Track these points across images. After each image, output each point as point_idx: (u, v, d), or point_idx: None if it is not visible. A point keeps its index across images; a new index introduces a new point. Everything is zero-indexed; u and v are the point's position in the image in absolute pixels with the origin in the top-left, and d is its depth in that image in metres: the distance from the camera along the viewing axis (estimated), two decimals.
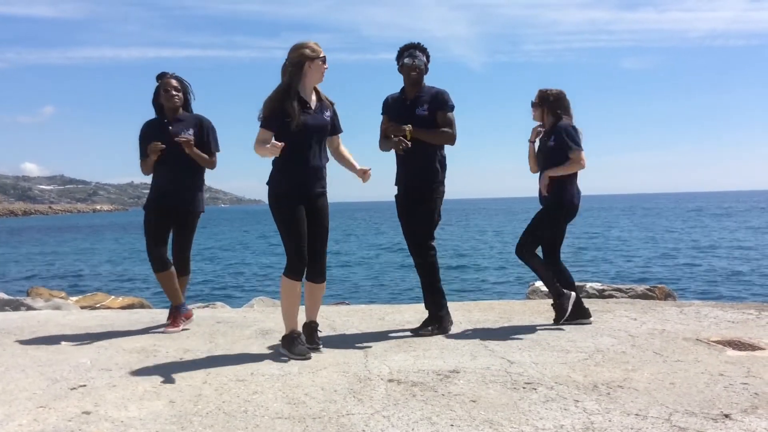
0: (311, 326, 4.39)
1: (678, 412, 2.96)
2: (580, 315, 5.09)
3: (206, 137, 5.19)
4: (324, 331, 4.97)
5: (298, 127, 4.09)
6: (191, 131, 5.12)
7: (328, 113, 4.33)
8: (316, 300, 4.43)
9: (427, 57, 4.89)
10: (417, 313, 5.72)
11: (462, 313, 5.64)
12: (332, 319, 5.50)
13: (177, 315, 5.16)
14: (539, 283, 7.37)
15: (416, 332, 4.79)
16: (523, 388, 3.38)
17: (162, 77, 5.18)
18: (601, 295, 6.87)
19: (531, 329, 4.90)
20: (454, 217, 73.34)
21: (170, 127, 5.09)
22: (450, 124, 4.80)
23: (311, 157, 4.21)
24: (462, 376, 3.61)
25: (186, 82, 5.27)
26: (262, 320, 5.54)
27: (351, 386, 3.44)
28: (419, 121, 4.76)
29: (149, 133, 5.14)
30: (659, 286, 7.06)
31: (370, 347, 4.37)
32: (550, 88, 5.20)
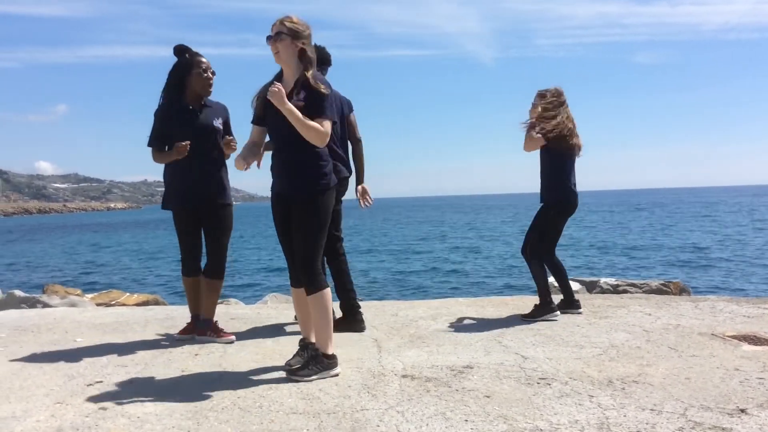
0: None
1: (693, 407, 2.95)
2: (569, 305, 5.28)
3: (229, 127, 4.67)
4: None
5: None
6: (220, 120, 4.54)
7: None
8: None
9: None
10: (430, 309, 5.74)
11: (475, 309, 5.64)
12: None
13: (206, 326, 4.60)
14: (552, 280, 7.35)
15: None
16: (537, 383, 3.37)
17: (188, 52, 4.48)
18: (615, 290, 6.84)
19: (544, 325, 4.89)
20: (469, 212, 73.22)
21: (198, 115, 4.47)
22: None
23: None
24: (476, 372, 3.61)
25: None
26: (276, 317, 5.57)
27: (365, 382, 3.44)
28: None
29: (172, 118, 4.42)
30: (674, 281, 7.02)
31: (383, 343, 4.38)
32: (548, 89, 5.24)
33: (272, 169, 3.72)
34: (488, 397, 3.16)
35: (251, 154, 3.66)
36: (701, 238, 29.77)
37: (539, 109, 5.16)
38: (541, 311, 5.11)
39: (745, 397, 3.07)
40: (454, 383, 3.40)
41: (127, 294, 7.49)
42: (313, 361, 3.57)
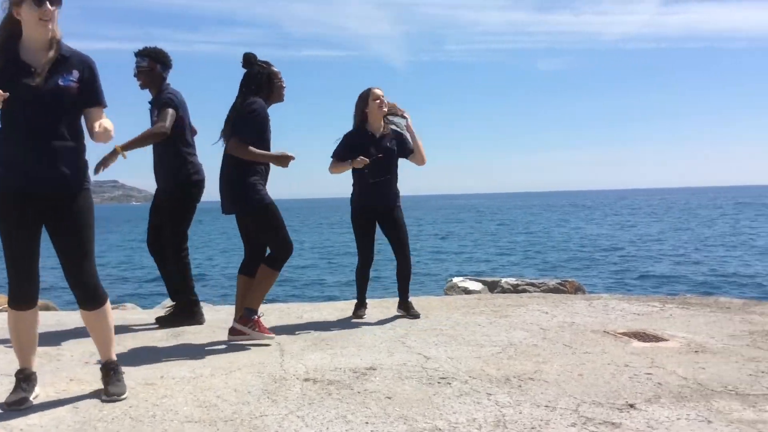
0: (108, 365, 3.29)
1: (585, 402, 3.05)
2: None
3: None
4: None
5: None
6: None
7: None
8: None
9: (155, 59, 5.00)
10: (336, 311, 5.71)
11: (381, 310, 5.65)
12: None
13: None
14: (457, 279, 7.49)
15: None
16: (438, 383, 3.40)
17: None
18: (515, 289, 7.03)
19: (448, 325, 4.96)
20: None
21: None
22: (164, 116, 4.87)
23: None
24: (378, 373, 3.60)
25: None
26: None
27: (265, 387, 3.37)
28: None
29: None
30: (570, 280, 7.29)
31: (286, 346, 4.31)
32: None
33: None
34: (390, 398, 3.16)
35: None
36: (601, 238, 31.17)
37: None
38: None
39: (634, 393, 3.21)
40: (356, 385, 3.38)
41: None
42: (116, 375, 3.28)
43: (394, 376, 3.53)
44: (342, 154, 5.20)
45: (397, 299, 5.47)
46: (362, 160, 5.06)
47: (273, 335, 4.45)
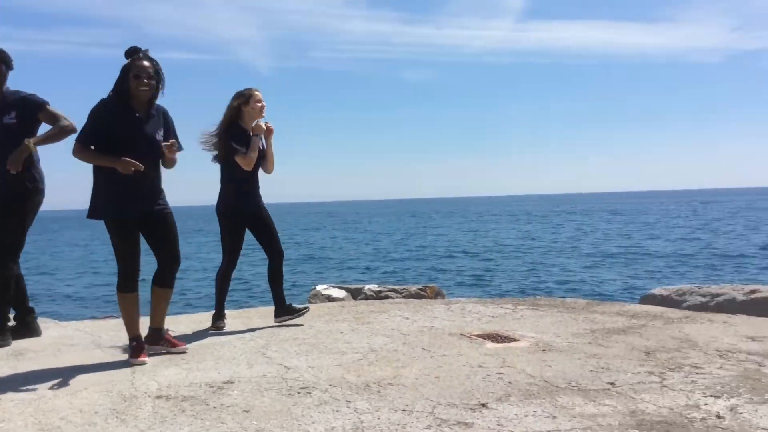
0: None
1: (441, 404, 3.13)
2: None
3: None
4: (88, 348, 4.60)
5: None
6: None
7: None
8: None
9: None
10: (193, 323, 5.52)
11: (242, 321, 5.52)
12: (98, 334, 5.10)
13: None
14: (320, 287, 7.48)
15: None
16: (298, 393, 3.37)
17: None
18: (378, 296, 7.13)
19: (310, 333, 4.93)
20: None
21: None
22: (56, 117, 4.73)
23: None
24: (236, 386, 3.51)
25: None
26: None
27: (114, 406, 3.19)
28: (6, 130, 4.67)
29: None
30: (431, 285, 7.49)
31: (138, 363, 4.10)
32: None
33: None
34: (247, 411, 3.08)
35: None
36: (462, 244, 32.34)
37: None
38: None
39: (486, 392, 3.33)
40: (212, 400, 3.28)
41: None
42: None
43: (253, 389, 3.46)
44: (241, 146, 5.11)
45: (260, 308, 5.37)
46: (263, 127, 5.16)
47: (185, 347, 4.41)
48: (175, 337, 4.53)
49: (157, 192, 4.34)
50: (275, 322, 5.28)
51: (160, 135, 4.26)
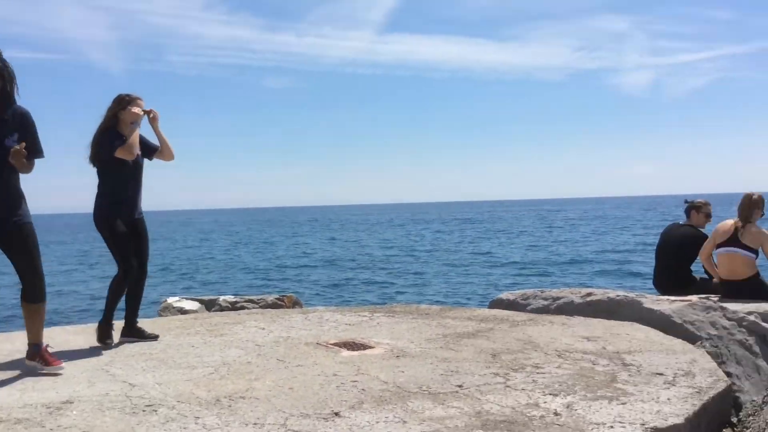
0: None
1: (294, 415, 3.10)
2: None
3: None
4: None
5: None
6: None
7: None
8: None
9: None
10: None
11: (84, 337, 5.17)
12: None
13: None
14: (172, 299, 7.19)
15: None
16: (143, 411, 3.21)
17: None
18: (233, 307, 6.96)
19: (159, 348, 4.71)
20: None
21: None
22: None
23: None
24: (76, 407, 3.29)
25: None
26: None
27: None
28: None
29: None
30: (288, 294, 7.42)
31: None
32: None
33: None
34: None
35: None
36: (318, 251, 32.36)
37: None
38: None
39: (340, 401, 3.34)
40: (48, 422, 3.05)
41: None
42: None
43: (94, 409, 3.25)
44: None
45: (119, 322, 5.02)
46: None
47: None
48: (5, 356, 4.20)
49: (11, 201, 4.01)
50: (119, 339, 4.99)
51: (11, 140, 3.92)
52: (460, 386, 3.55)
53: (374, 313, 6.16)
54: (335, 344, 4.74)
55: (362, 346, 4.67)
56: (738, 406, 3.99)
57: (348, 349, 4.57)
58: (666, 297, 5.99)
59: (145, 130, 5.04)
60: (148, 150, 5.08)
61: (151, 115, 4.99)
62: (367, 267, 25.73)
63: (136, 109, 4.87)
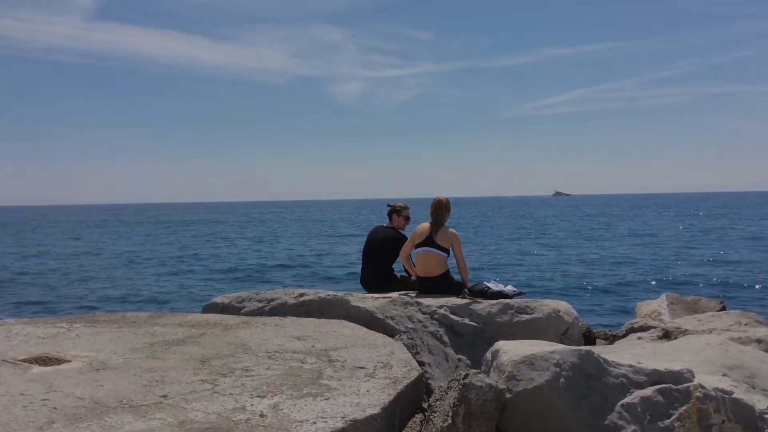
0: None
1: None
2: None
3: None
4: None
5: None
6: None
7: None
8: None
9: None
10: None
11: None
12: None
13: None
14: None
15: None
16: None
17: None
18: None
19: None
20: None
21: None
22: None
23: None
24: None
25: None
26: None
27: None
28: None
29: None
30: None
31: None
32: None
33: None
34: None
35: None
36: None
37: None
38: None
39: (26, 423, 3.00)
40: None
41: None
42: None
43: None
44: None
45: None
46: None
47: None
48: None
49: None
50: None
51: None
52: (164, 396, 3.40)
53: (73, 324, 5.65)
54: (25, 360, 4.26)
55: (57, 361, 4.26)
56: (429, 392, 4.42)
57: (40, 365, 4.14)
58: (371, 295, 6.39)
59: None
60: None
61: None
62: (57, 272, 23.58)
63: None
